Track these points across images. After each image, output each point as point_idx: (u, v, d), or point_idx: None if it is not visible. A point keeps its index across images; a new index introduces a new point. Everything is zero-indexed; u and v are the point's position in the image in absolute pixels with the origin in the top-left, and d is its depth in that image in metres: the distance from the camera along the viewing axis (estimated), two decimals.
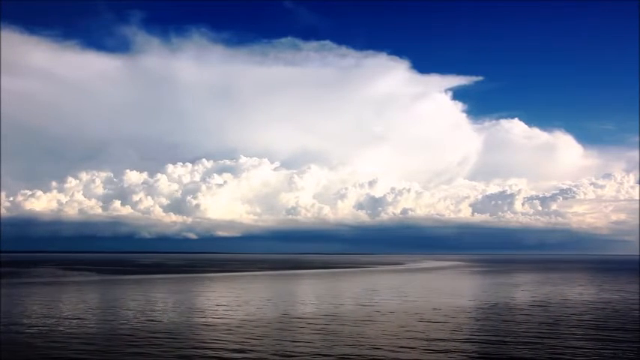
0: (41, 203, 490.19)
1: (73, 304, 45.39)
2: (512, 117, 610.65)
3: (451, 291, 61.81)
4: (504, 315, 38.70)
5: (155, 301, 47.83)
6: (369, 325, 33.30)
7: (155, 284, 73.07)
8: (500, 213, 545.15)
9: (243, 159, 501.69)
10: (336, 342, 27.58)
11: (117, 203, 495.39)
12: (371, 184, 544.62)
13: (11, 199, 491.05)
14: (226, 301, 47.65)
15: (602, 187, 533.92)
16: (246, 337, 29.18)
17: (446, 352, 25.37)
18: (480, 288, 68.10)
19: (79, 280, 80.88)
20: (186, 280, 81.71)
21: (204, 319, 35.98)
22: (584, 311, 41.52)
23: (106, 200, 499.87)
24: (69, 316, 37.10)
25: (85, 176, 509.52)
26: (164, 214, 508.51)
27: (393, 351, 25.45)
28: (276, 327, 32.66)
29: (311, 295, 57.00)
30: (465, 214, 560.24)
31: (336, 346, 26.38)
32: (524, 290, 63.00)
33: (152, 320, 35.34)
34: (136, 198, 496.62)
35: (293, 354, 24.71)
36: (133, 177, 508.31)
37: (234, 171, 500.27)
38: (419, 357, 24.38)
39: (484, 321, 35.55)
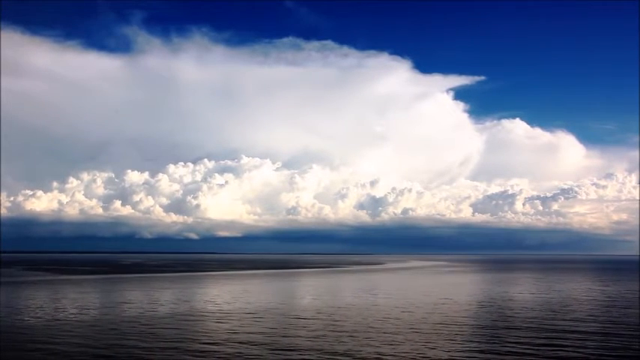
0: (42, 203, 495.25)
1: None
2: (514, 117, 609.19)
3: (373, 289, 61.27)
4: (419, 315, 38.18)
5: (84, 300, 48.06)
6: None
7: (105, 284, 73.18)
8: (501, 213, 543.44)
9: (245, 159, 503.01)
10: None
11: (117, 203, 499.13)
12: (372, 184, 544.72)
13: (12, 199, 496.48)
14: (141, 302, 47.58)
15: (603, 187, 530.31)
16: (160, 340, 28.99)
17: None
18: (423, 287, 67.34)
19: (24, 280, 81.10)
20: (147, 280, 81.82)
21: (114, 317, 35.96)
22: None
23: (106, 200, 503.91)
24: None
25: (85, 176, 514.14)
26: (165, 214, 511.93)
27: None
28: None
29: (245, 294, 56.66)
30: (465, 214, 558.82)
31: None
32: (473, 288, 62.22)
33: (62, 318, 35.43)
34: (136, 198, 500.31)
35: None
36: (134, 177, 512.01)
37: (235, 171, 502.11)
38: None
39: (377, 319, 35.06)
